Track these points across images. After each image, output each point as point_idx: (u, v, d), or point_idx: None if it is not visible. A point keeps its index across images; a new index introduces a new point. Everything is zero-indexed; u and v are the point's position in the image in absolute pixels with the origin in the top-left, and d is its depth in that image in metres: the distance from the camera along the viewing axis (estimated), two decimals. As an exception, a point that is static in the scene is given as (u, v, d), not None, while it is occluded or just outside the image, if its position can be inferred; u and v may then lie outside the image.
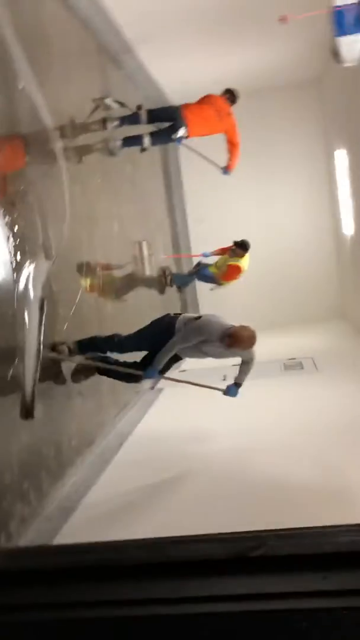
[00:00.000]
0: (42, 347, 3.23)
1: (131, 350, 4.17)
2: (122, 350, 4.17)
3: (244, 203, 9.72)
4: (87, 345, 4.04)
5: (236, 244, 6.74)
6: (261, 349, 7.22)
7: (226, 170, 6.25)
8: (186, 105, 5.61)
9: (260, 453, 3.85)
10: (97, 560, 1.16)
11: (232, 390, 4.14)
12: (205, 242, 9.67)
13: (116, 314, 5.26)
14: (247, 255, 6.90)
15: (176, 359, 4.08)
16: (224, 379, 6.08)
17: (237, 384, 4.13)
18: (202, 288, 9.94)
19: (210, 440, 4.24)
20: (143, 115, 5.54)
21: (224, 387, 4.19)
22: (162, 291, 7.49)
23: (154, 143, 5.77)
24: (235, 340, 3.78)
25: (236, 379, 4.15)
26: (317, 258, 9.72)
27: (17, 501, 2.95)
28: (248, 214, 9.76)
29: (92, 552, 1.24)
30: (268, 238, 9.72)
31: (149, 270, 6.97)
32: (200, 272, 7.30)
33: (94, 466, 3.93)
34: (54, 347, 3.73)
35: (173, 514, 3.12)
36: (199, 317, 4.01)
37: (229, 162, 6.15)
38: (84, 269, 4.54)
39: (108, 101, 5.44)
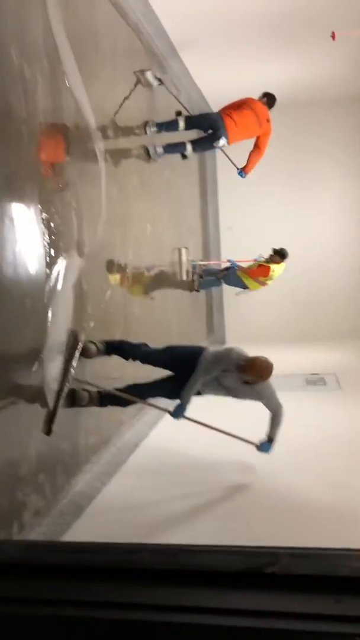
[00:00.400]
0: (69, 381, 3.21)
1: (154, 365, 4.08)
2: (146, 360, 4.09)
3: (277, 214, 9.68)
4: (115, 348, 4.03)
5: (275, 250, 6.87)
6: (284, 362, 7.20)
7: (242, 172, 6.20)
8: (226, 113, 5.60)
9: (278, 468, 3.82)
10: (109, 561, 1.17)
11: (265, 446, 3.83)
12: (234, 249, 9.67)
13: (142, 316, 5.29)
14: (283, 264, 6.94)
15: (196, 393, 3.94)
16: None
17: (270, 440, 3.84)
18: (228, 295, 9.93)
19: (227, 450, 4.21)
20: (181, 122, 5.59)
21: (256, 440, 3.90)
22: (191, 290, 7.53)
23: (195, 150, 5.79)
24: (249, 367, 3.65)
25: (268, 434, 3.85)
26: (346, 274, 9.64)
27: (32, 493, 2.99)
28: (280, 225, 9.72)
29: (105, 552, 1.26)
30: (297, 251, 9.62)
31: (186, 276, 7.12)
32: (228, 276, 7.31)
33: (109, 465, 3.95)
34: (83, 349, 3.70)
35: (183, 521, 3.12)
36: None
37: (247, 165, 6.13)
38: (115, 266, 4.58)
39: (148, 75, 5.38)
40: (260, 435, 3.88)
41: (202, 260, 8.33)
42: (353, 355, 8.21)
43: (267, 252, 7.04)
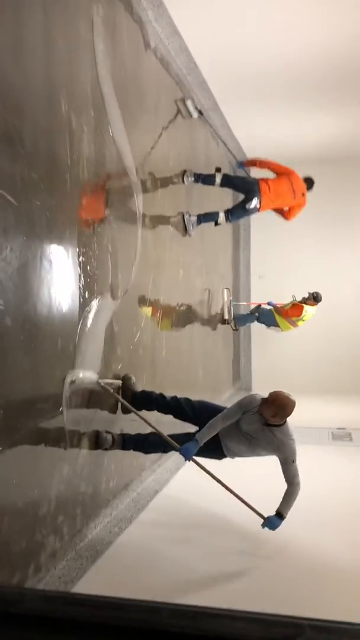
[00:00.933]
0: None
1: (182, 416, 4.02)
2: (174, 411, 4.02)
3: (310, 265, 9.70)
4: (144, 399, 3.99)
5: (309, 293, 7.17)
6: (311, 414, 7.13)
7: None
8: (264, 180, 5.81)
9: (300, 527, 3.70)
10: (126, 619, 1.15)
11: (273, 522, 3.41)
12: (263, 297, 9.67)
13: (170, 359, 5.30)
14: (315, 307, 7.18)
15: (216, 452, 3.77)
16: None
17: (279, 515, 3.42)
18: (256, 342, 9.90)
19: (238, 506, 4.13)
20: (218, 178, 5.78)
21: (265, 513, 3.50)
22: (225, 323, 7.79)
23: (228, 219, 5.97)
24: (270, 400, 3.45)
25: (279, 508, 3.46)
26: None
27: (50, 534, 2.97)
28: (312, 275, 9.71)
29: (124, 609, 1.23)
30: (327, 302, 9.63)
31: (227, 314, 7.55)
32: (262, 313, 7.59)
33: (128, 511, 3.90)
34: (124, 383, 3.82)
35: (198, 579, 3.04)
36: None
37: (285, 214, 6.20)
38: (147, 301, 4.64)
39: (189, 104, 5.58)
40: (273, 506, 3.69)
41: (243, 302, 8.58)
42: (381, 410, 8.06)
43: (299, 295, 7.37)
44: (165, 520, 3.86)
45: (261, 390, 6.68)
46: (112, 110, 3.80)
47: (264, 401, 3.50)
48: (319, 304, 7.34)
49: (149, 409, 4.00)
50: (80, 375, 3.29)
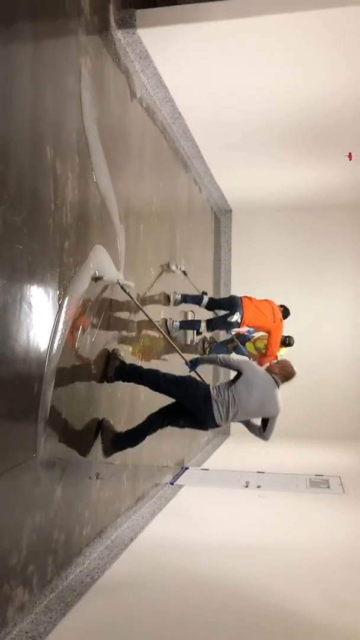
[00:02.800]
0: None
1: (163, 389, 4.30)
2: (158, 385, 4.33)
3: (292, 309, 9.80)
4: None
5: (283, 336, 7.10)
6: (288, 460, 7.10)
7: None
8: (247, 297, 6.32)
9: (277, 578, 3.63)
10: None
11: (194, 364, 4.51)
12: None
13: (149, 400, 5.27)
14: (285, 350, 7.28)
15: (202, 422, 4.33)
16: (247, 486, 5.93)
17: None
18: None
19: (221, 553, 4.05)
20: (205, 300, 6.30)
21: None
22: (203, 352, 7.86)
23: (209, 328, 6.35)
24: (281, 362, 4.50)
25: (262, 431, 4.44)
26: (355, 374, 9.62)
27: (19, 585, 2.87)
28: (290, 320, 9.81)
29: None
30: (306, 345, 9.72)
31: (189, 340, 7.32)
32: (238, 349, 7.54)
33: (101, 559, 3.80)
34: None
35: (171, 635, 2.94)
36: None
37: (264, 359, 6.44)
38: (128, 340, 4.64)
39: (173, 267, 6.06)
40: (266, 545, 3.68)
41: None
42: (358, 458, 8.04)
43: None
44: (138, 569, 3.75)
45: (241, 436, 6.65)
46: (96, 156, 3.87)
47: (277, 363, 4.53)
48: (292, 347, 7.35)
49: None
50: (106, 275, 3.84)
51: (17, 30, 2.87)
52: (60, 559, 3.35)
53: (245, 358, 4.67)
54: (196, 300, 6.25)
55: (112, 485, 4.33)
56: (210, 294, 8.74)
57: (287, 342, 7.14)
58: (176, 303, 6.04)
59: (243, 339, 7.63)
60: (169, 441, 6.10)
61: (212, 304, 6.39)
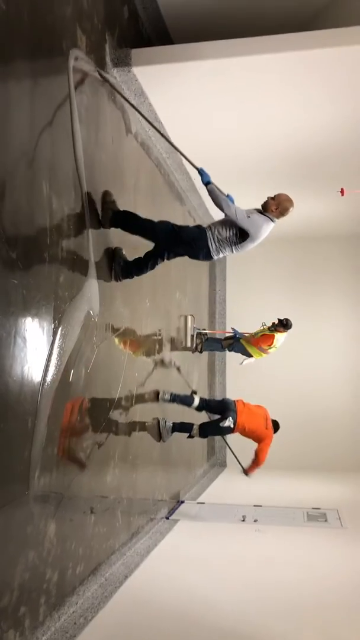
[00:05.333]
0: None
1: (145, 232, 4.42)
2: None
3: (283, 343, 9.81)
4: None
5: (279, 320, 7.05)
6: (285, 493, 7.00)
7: (246, 472, 6.24)
8: (241, 401, 6.12)
9: (273, 615, 3.56)
10: None
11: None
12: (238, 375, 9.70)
13: (143, 437, 5.22)
14: (285, 334, 7.14)
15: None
16: (243, 520, 5.85)
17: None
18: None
19: (217, 591, 3.97)
20: (195, 402, 6.08)
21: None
22: (193, 351, 7.71)
23: (202, 433, 6.01)
24: (277, 196, 4.37)
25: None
26: (352, 405, 9.59)
27: (10, 628, 2.79)
28: (286, 354, 9.82)
29: None
30: (301, 376, 9.73)
31: (190, 343, 7.35)
32: (232, 344, 7.55)
33: (95, 599, 3.71)
34: None
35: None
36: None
37: (252, 465, 6.17)
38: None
39: (167, 361, 6.07)
40: (262, 582, 3.60)
41: (207, 329, 8.55)
42: (357, 490, 7.96)
43: (269, 322, 7.27)
44: (133, 609, 3.67)
45: (236, 467, 6.58)
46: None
47: (276, 196, 4.42)
48: (290, 331, 7.24)
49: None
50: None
51: (14, 67, 2.93)
52: (53, 598, 3.27)
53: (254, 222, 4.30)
54: (186, 401, 6.03)
55: (107, 520, 4.26)
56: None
57: (285, 323, 7.04)
58: (166, 400, 5.82)
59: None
60: (164, 474, 6.03)
61: (204, 406, 6.15)
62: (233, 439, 6.60)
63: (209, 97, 5.06)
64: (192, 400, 6.03)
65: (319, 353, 9.83)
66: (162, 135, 4.64)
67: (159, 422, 5.58)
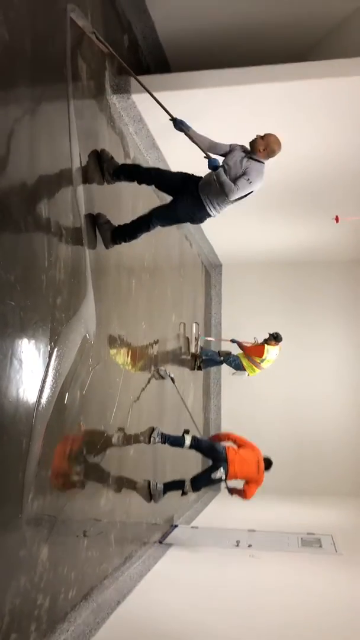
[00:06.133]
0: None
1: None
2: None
3: (279, 366, 9.82)
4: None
5: (270, 334, 7.43)
6: (279, 517, 6.96)
7: (231, 491, 6.13)
8: (232, 448, 5.96)
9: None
10: None
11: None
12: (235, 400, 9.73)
13: (137, 457, 5.20)
14: (277, 348, 7.50)
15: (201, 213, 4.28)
16: (237, 545, 5.80)
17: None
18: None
19: (210, 617, 3.92)
20: (187, 442, 5.78)
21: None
22: (192, 368, 7.86)
23: (194, 488, 5.83)
24: (266, 136, 4.09)
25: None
26: (346, 432, 9.57)
27: (0, 655, 2.75)
28: (281, 377, 9.86)
29: None
30: (295, 400, 9.73)
31: (194, 349, 7.54)
32: (229, 358, 7.85)
33: (86, 625, 3.65)
34: None
35: None
36: None
37: (236, 492, 6.10)
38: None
39: (162, 371, 6.02)
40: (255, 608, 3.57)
41: (209, 337, 8.89)
42: (352, 515, 7.91)
43: (260, 337, 7.69)
44: (126, 636, 3.62)
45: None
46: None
47: (265, 136, 4.12)
48: (281, 344, 7.60)
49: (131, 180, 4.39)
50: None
51: (17, 93, 2.99)
52: (44, 625, 3.22)
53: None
54: (177, 441, 5.79)
55: (100, 544, 4.22)
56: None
57: (275, 337, 7.41)
58: (158, 441, 5.58)
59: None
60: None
61: (195, 446, 5.90)
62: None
63: (206, 124, 5.12)
64: (184, 440, 5.81)
65: (314, 377, 9.85)
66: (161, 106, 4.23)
67: (149, 483, 5.37)
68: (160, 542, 5.81)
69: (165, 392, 6.47)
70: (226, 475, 5.73)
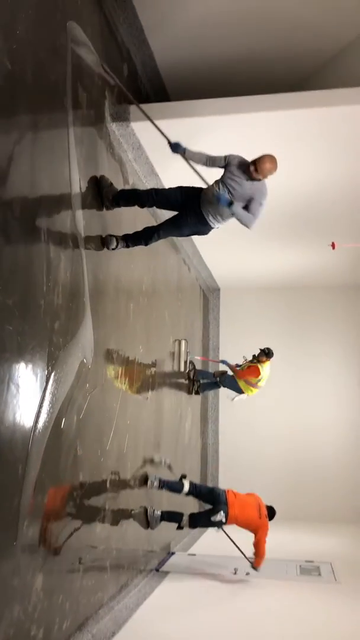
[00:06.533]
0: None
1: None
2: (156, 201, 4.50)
3: (276, 391, 9.80)
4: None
5: (261, 350, 7.37)
6: (278, 544, 6.89)
7: (255, 566, 5.68)
8: (232, 491, 5.81)
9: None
10: None
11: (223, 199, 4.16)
12: (232, 424, 9.69)
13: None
14: (269, 363, 7.44)
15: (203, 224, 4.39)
16: (235, 573, 5.72)
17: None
18: (222, 469, 9.71)
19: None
20: (185, 488, 5.74)
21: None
22: (189, 392, 7.79)
23: (192, 524, 5.70)
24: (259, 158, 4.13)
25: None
26: (345, 458, 9.52)
27: None
28: (278, 402, 9.84)
29: None
30: (296, 431, 9.70)
31: (183, 367, 7.38)
32: (225, 379, 7.80)
33: (81, 656, 3.58)
34: None
35: None
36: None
37: (256, 559, 5.67)
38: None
39: (157, 459, 5.83)
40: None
41: (198, 356, 8.72)
42: (351, 543, 7.81)
43: (249, 355, 7.62)
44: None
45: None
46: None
47: (254, 164, 4.16)
48: (272, 359, 7.54)
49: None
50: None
51: (18, 121, 3.04)
52: (38, 656, 3.16)
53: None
54: (175, 487, 5.73)
55: (95, 572, 4.16)
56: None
57: (267, 352, 7.37)
58: (155, 487, 5.55)
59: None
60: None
61: (193, 493, 5.83)
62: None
63: (204, 151, 5.22)
64: (182, 486, 5.71)
65: (312, 402, 9.82)
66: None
67: (146, 510, 5.27)
68: (157, 570, 5.72)
69: (162, 416, 6.44)
70: (226, 519, 5.53)
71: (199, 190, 4.40)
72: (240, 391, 7.73)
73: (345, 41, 5.15)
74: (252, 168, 4.15)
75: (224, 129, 4.80)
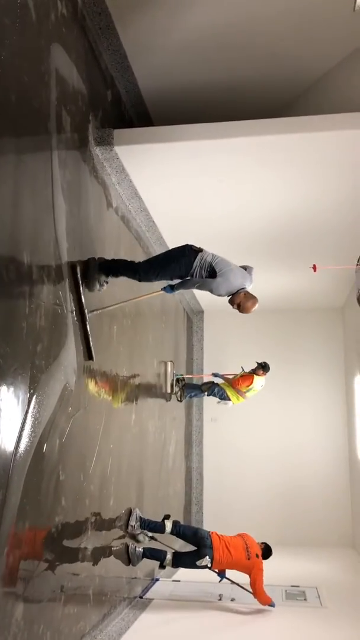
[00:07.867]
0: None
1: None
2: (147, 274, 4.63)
3: (260, 414, 9.79)
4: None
5: (258, 363, 7.51)
6: (264, 569, 6.81)
7: (267, 604, 5.43)
8: (217, 534, 5.65)
9: None
10: None
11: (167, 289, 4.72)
12: (216, 442, 9.63)
13: (117, 508, 5.08)
14: (264, 378, 7.57)
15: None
16: (220, 599, 5.64)
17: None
18: (207, 489, 9.62)
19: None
20: (168, 528, 5.66)
21: None
22: (168, 400, 7.68)
23: (175, 564, 5.60)
24: (243, 298, 4.74)
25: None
26: (330, 481, 9.50)
27: None
28: (262, 425, 9.83)
29: None
30: (280, 454, 9.68)
31: (169, 388, 7.45)
32: (212, 388, 7.80)
33: None
34: None
35: None
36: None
37: (259, 600, 5.42)
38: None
39: (140, 536, 5.58)
40: None
41: (187, 375, 8.80)
42: (337, 567, 7.75)
43: (247, 367, 7.72)
44: None
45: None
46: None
47: (239, 294, 4.77)
48: (268, 374, 7.66)
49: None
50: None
51: (1, 145, 3.05)
52: None
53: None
54: (157, 528, 5.61)
55: (78, 600, 4.07)
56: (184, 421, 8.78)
57: (264, 365, 7.49)
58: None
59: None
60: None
61: (176, 533, 5.70)
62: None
63: (187, 175, 5.28)
64: (164, 527, 5.58)
65: (298, 424, 9.82)
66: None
67: (127, 547, 5.16)
68: (141, 597, 5.62)
69: (147, 440, 6.39)
70: (211, 563, 5.35)
71: (190, 264, 4.72)
72: (227, 399, 7.78)
73: (325, 69, 5.28)
74: (234, 307, 4.75)
75: (206, 154, 4.87)
